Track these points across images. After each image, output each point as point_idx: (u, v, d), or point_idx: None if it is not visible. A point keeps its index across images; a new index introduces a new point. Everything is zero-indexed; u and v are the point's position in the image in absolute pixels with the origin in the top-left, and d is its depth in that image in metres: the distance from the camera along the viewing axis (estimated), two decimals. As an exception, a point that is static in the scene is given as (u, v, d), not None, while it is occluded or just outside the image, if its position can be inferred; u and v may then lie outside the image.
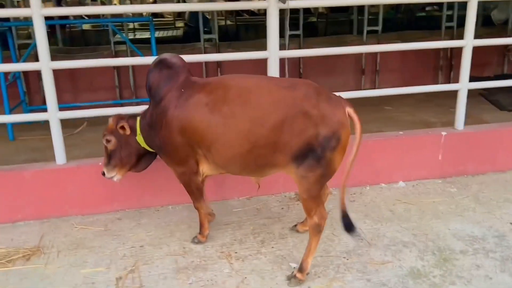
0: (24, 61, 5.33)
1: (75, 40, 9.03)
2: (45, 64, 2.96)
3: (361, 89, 7.20)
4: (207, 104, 2.41)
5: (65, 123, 5.45)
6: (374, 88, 7.53)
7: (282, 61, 3.59)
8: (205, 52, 6.68)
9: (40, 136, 4.88)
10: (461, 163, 3.77)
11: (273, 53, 3.26)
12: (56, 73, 5.81)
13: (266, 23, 3.23)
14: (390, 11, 11.69)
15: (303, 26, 8.01)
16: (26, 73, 6.22)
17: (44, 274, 2.63)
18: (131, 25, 10.70)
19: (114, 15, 6.68)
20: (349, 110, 2.40)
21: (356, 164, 3.58)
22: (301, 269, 2.49)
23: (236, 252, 2.80)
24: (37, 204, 3.16)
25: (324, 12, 11.79)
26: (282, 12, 3.35)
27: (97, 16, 8.07)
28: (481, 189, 3.60)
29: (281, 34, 6.84)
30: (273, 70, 3.30)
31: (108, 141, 2.74)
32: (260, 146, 2.36)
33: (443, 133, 3.69)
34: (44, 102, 6.48)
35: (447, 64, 7.54)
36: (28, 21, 6.06)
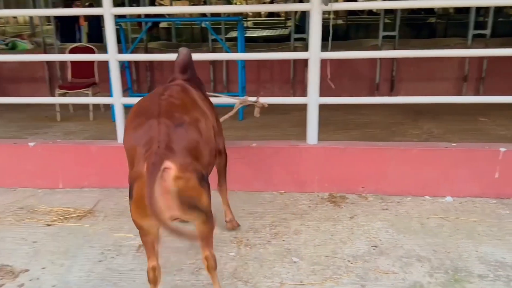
0: (131, 52, 6.11)
1: (195, 36, 9.86)
2: (112, 56, 3.46)
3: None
4: None
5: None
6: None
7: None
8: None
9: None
10: (524, 184, 3.41)
11: (313, 54, 3.33)
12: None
13: (310, 24, 3.31)
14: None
15: (420, 27, 7.54)
16: (137, 65, 7.12)
17: (87, 233, 3.12)
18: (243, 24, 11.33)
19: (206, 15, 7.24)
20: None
21: (399, 172, 3.52)
22: None
23: (247, 240, 2.98)
24: (100, 175, 3.71)
25: (448, 12, 11.08)
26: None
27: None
28: (539, 215, 3.22)
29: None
30: (314, 71, 3.37)
31: None
32: None
33: (502, 149, 3.37)
34: (149, 90, 7.36)
35: None
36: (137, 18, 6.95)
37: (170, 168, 1.85)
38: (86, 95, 6.01)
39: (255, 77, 7.17)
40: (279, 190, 3.63)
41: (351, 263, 2.72)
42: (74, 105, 6.39)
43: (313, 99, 3.45)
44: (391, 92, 7.07)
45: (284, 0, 14.37)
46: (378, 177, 3.53)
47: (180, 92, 2.35)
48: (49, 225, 3.24)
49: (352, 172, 3.54)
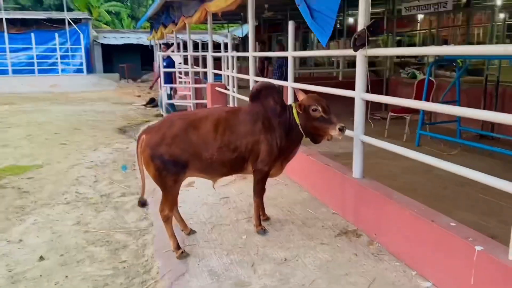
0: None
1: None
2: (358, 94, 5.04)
3: None
4: None
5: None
6: None
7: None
8: None
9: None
10: None
11: (357, 94, 3.60)
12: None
13: (356, 68, 3.59)
14: None
15: None
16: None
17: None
18: None
19: None
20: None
21: (401, 233, 3.23)
22: None
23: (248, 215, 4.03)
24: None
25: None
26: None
27: None
28: None
29: None
30: (358, 109, 3.63)
31: None
32: None
33: (478, 248, 2.37)
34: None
35: None
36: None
37: None
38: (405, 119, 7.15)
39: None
40: (331, 208, 4.06)
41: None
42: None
43: (357, 135, 3.67)
44: None
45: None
46: (385, 230, 3.29)
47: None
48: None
49: (372, 216, 3.47)
